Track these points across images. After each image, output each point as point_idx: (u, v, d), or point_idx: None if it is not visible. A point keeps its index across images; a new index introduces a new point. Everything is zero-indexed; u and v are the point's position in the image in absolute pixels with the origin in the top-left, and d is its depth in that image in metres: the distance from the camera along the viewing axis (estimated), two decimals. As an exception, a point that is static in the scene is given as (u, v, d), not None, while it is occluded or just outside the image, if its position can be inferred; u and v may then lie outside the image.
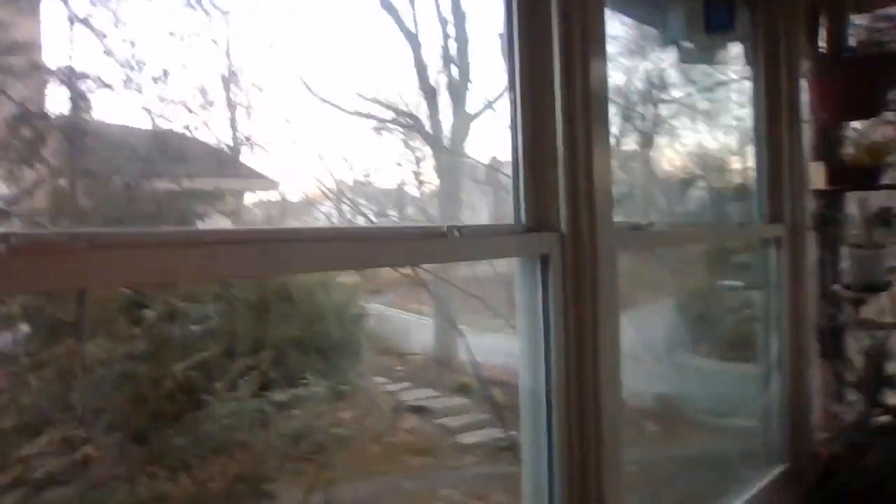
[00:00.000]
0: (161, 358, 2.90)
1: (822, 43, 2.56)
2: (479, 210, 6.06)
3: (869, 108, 2.32)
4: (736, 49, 2.60)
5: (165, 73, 3.02)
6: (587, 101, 1.41)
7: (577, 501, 1.42)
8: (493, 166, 5.59)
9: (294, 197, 5.00)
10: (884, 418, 2.54)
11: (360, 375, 4.73)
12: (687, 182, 4.38)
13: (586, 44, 1.41)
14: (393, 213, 5.79)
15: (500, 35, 1.45)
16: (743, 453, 2.71)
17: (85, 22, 2.77)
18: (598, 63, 1.45)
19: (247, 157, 4.04)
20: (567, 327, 1.41)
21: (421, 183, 5.91)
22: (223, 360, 3.17)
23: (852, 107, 2.34)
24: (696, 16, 2.11)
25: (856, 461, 2.46)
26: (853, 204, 2.81)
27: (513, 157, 1.43)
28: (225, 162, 3.75)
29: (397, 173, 5.79)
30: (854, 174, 2.64)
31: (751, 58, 2.52)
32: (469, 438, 5.20)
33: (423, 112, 5.60)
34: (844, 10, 2.51)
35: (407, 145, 5.68)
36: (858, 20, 2.52)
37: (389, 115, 5.51)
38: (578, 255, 1.42)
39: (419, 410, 5.25)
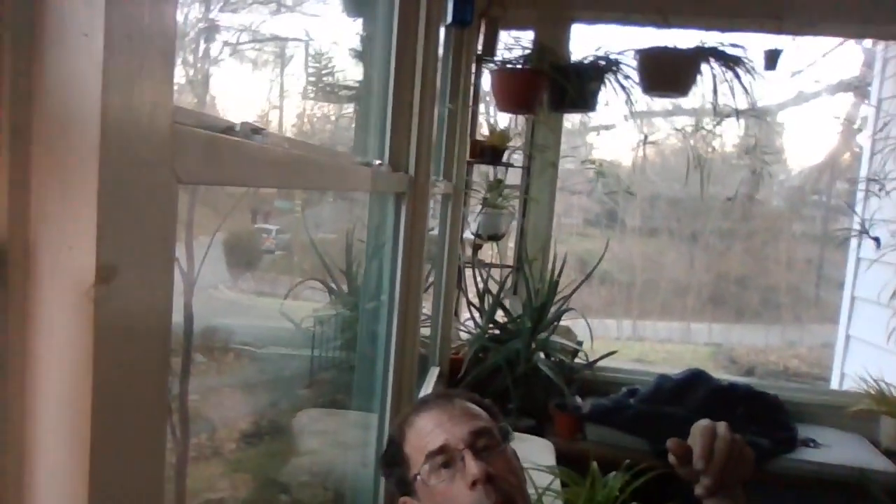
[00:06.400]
0: None
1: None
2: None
3: (526, 106, 3.22)
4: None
5: None
6: (432, 79, 1.86)
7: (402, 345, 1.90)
8: None
9: None
10: (496, 331, 3.53)
11: None
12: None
13: (434, 44, 1.85)
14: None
15: None
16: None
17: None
18: (436, 55, 1.90)
19: None
20: (408, 248, 1.85)
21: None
22: None
23: (516, 103, 3.21)
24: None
25: (479, 361, 3.38)
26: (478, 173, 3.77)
27: (383, 111, 1.79)
28: None
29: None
30: (486, 151, 3.55)
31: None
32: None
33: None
34: (496, 26, 3.35)
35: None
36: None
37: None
38: (417, 193, 1.86)
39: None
